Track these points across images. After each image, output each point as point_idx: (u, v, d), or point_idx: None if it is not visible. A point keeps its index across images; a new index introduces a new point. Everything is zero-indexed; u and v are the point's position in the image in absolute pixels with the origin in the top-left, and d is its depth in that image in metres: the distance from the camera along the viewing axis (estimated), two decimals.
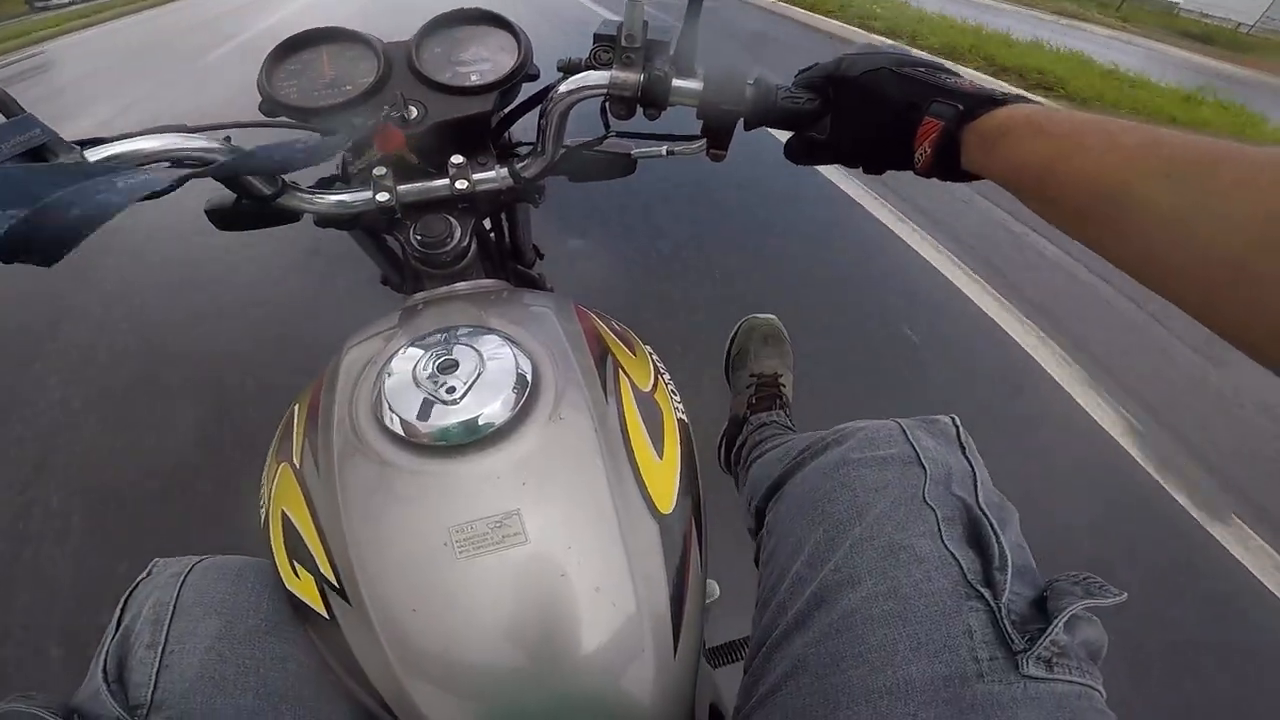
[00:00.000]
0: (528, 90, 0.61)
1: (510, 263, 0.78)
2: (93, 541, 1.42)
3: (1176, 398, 1.86)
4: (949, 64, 0.46)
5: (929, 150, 0.42)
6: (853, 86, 0.45)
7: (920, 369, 1.90)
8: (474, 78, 0.59)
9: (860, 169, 0.49)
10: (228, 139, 0.49)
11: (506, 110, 0.62)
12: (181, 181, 0.48)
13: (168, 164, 0.46)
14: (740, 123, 0.51)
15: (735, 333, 1.10)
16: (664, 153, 0.58)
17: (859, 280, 2.33)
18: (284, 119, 0.55)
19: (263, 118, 0.56)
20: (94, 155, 0.42)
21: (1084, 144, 0.33)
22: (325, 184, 0.60)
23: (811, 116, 0.49)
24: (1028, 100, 0.40)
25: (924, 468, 0.48)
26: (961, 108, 0.40)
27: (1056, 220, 0.36)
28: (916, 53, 0.47)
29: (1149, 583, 1.36)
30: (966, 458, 0.50)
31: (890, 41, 5.68)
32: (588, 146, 0.59)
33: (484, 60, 0.61)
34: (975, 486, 0.48)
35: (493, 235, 0.73)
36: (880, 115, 0.44)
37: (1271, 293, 0.24)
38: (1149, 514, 1.53)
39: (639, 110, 0.52)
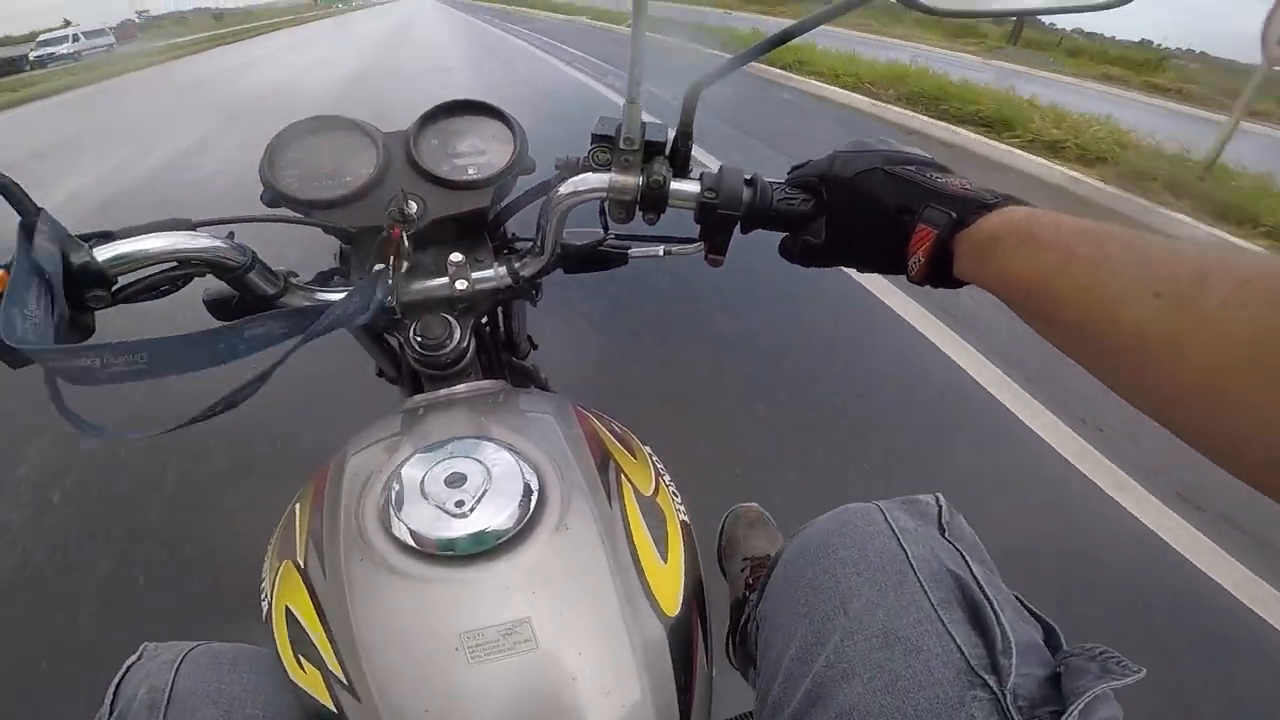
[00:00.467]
0: (524, 182, 0.62)
1: (505, 355, 0.77)
2: (73, 620, 1.39)
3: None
4: (939, 160, 0.46)
5: (923, 259, 0.41)
6: (846, 187, 0.46)
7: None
8: (471, 170, 0.60)
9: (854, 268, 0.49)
10: (231, 235, 0.50)
11: (504, 204, 0.62)
12: (188, 280, 0.49)
13: (174, 264, 0.47)
14: (738, 225, 0.51)
15: (722, 524, 1.10)
16: (661, 253, 0.59)
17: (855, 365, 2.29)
18: (285, 211, 0.56)
19: (264, 209, 0.56)
20: (102, 254, 0.43)
21: (1075, 257, 0.32)
22: (324, 277, 0.60)
23: (806, 219, 0.49)
24: (1018, 201, 0.39)
25: (904, 549, 0.46)
26: (954, 215, 0.40)
27: (1053, 339, 0.34)
28: (907, 149, 0.47)
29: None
30: (948, 538, 0.49)
31: None
32: (586, 248, 0.59)
33: (480, 152, 0.61)
34: (968, 565, 0.46)
35: (488, 328, 0.73)
36: (873, 220, 0.44)
37: (1262, 419, 0.23)
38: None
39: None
